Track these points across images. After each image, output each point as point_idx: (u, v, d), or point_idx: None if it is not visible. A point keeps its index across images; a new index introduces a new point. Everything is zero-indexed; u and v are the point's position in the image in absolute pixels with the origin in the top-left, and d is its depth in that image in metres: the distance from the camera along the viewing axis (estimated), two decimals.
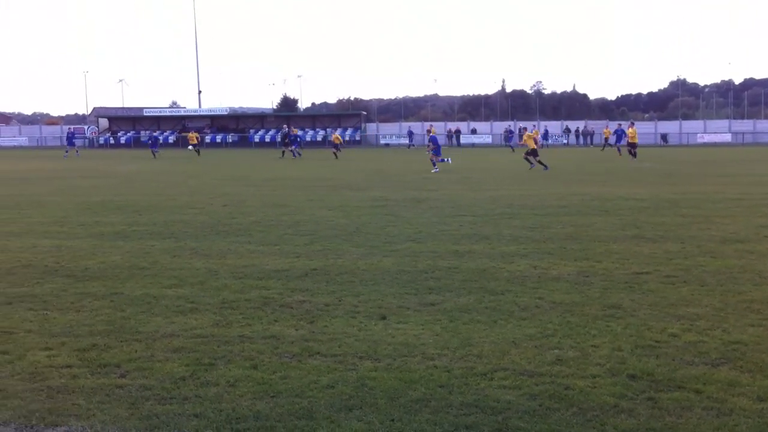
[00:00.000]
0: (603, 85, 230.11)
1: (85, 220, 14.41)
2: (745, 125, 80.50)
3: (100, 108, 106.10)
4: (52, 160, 45.71)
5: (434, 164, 30.13)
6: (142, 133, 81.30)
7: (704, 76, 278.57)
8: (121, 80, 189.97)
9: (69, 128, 73.74)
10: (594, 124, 79.25)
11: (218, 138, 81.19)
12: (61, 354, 5.87)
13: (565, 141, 77.67)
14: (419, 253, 10.25)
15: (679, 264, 9.34)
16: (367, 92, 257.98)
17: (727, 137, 75.55)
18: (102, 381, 5.25)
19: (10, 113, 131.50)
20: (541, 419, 4.53)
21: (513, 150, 54.23)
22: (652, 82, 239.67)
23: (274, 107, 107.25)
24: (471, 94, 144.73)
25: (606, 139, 56.33)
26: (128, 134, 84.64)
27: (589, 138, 76.35)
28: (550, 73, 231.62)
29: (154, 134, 63.49)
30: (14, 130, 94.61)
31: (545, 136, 71.72)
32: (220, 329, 6.55)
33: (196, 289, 8.14)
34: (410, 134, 73.44)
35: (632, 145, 38.74)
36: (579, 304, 7.35)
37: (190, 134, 58.74)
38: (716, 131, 77.52)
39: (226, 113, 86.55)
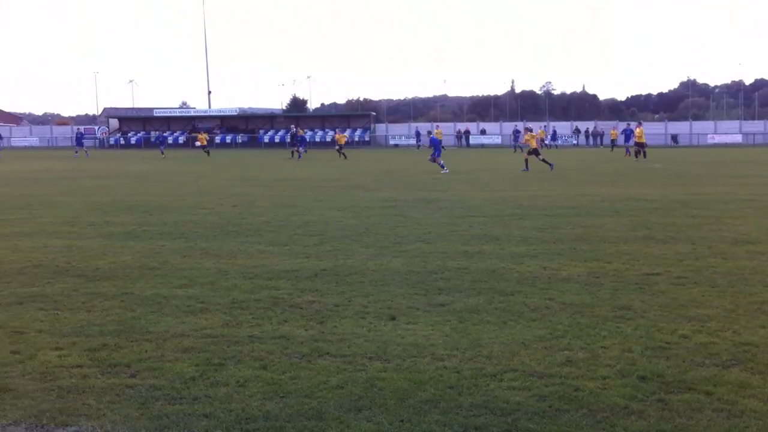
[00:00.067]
0: (613, 85, 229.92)
1: (95, 220, 14.47)
2: (755, 126, 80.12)
3: (111, 108, 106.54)
4: (62, 161, 45.93)
5: (442, 165, 30.12)
6: (152, 133, 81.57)
7: (714, 77, 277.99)
8: (131, 81, 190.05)
9: (78, 129, 73.98)
10: (604, 125, 79.00)
11: (228, 138, 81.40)
12: (72, 354, 5.89)
13: (574, 142, 77.52)
14: (429, 254, 10.24)
15: (689, 265, 9.30)
16: (377, 93, 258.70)
17: (738, 138, 75.24)
18: (112, 381, 5.27)
19: (21, 114, 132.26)
20: (551, 420, 4.51)
21: (515, 150, 54.11)
22: (662, 82, 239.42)
23: (284, 108, 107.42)
24: (480, 95, 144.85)
25: (613, 140, 56.24)
26: (138, 135, 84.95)
27: (598, 139, 76.15)
28: (559, 73, 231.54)
29: (163, 134, 63.82)
30: (25, 130, 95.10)
31: (553, 136, 71.59)
32: (230, 329, 6.57)
33: (206, 289, 8.16)
34: (418, 134, 73.46)
35: (640, 145, 38.64)
36: (589, 305, 7.33)
37: (199, 135, 58.96)
38: (727, 132, 77.23)
39: (235, 114, 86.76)
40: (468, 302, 7.46)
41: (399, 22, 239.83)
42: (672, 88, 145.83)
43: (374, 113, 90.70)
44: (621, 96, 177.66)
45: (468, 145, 76.19)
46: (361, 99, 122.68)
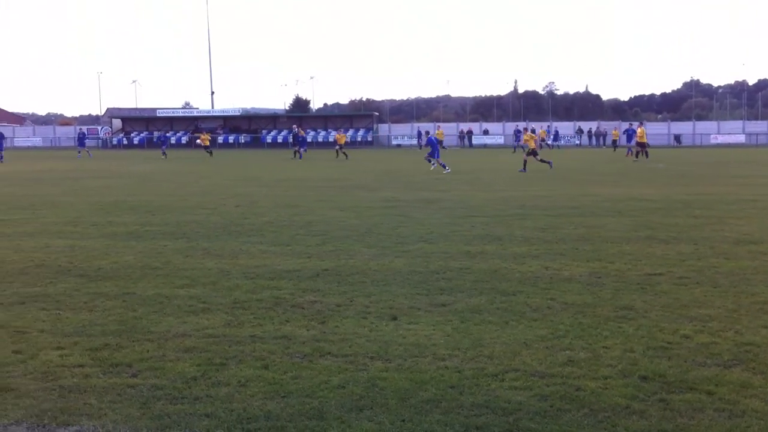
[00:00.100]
0: (616, 85, 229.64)
1: (98, 220, 14.49)
2: (759, 126, 79.93)
3: (114, 108, 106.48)
4: (65, 161, 45.99)
5: (444, 165, 30.14)
6: (155, 133, 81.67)
7: (718, 77, 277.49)
8: (134, 81, 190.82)
9: (80, 129, 74.04)
10: (607, 125, 78.87)
11: (231, 138, 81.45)
12: (74, 353, 5.90)
13: (577, 142, 77.45)
14: (431, 254, 10.24)
15: (691, 265, 9.29)
16: (379, 93, 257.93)
17: (741, 138, 75.11)
18: (114, 380, 5.27)
19: (24, 114, 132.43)
20: (552, 420, 4.51)
21: (515, 150, 54.07)
22: (665, 82, 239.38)
23: (287, 108, 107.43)
24: (483, 95, 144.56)
25: (614, 141, 56.23)
26: (141, 135, 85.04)
27: (601, 139, 76.09)
28: (562, 73, 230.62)
29: (165, 135, 63.82)
30: (28, 130, 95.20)
31: (555, 137, 71.53)
32: (232, 329, 6.57)
33: (208, 289, 8.17)
34: (419, 134, 73.42)
35: (641, 145, 38.62)
36: (591, 305, 7.33)
37: (202, 135, 58.97)
38: (730, 132, 77.11)
39: (238, 114, 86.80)
40: (470, 302, 7.46)
41: (402, 22, 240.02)
42: (675, 89, 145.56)
43: (377, 113, 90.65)
44: (624, 96, 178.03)
45: (471, 145, 76.13)
46: (364, 99, 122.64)
